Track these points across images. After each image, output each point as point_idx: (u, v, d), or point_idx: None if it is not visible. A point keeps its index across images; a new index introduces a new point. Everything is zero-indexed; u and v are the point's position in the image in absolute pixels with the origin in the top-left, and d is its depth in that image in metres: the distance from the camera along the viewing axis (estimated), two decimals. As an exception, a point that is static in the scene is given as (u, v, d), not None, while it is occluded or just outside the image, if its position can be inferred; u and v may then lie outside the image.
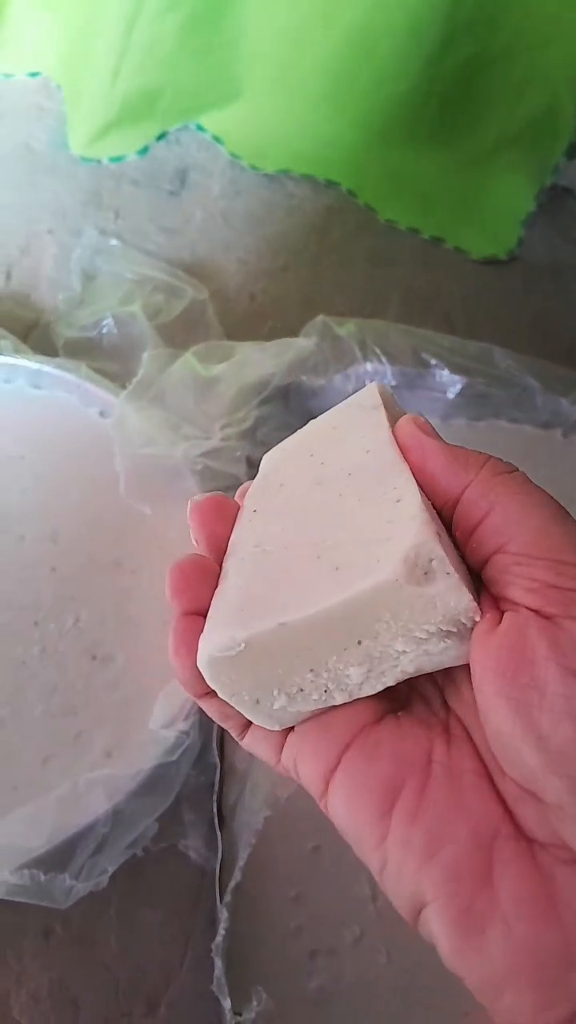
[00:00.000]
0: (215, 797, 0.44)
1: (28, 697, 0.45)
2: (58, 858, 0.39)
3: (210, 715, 0.25)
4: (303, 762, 0.22)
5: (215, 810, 0.43)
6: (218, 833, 0.43)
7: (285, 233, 0.67)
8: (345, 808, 0.21)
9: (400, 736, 0.22)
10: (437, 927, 0.19)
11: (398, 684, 0.23)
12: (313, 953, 0.41)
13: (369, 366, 0.52)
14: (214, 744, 0.44)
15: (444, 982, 0.40)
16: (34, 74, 0.71)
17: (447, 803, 0.20)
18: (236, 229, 0.66)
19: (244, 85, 0.68)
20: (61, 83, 0.70)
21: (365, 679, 0.22)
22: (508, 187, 0.70)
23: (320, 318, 0.53)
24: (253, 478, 0.50)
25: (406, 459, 0.24)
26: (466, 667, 0.21)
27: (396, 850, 0.20)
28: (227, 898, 0.40)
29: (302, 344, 0.51)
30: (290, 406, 0.52)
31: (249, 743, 0.25)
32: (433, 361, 0.53)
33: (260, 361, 0.50)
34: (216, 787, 0.44)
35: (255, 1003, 0.37)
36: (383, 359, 0.52)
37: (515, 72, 0.64)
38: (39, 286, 0.61)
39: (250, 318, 0.63)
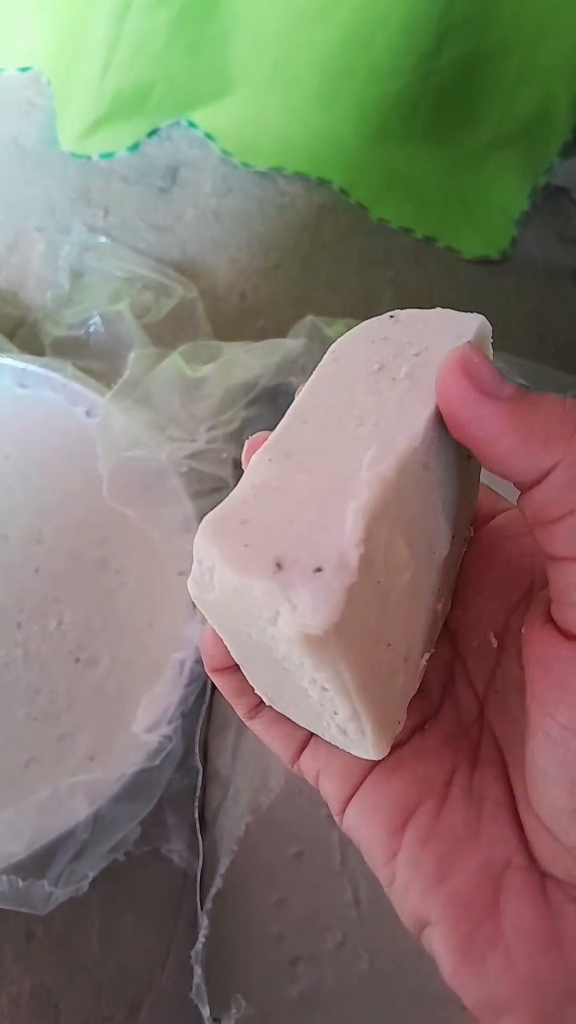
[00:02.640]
0: (197, 802, 0.43)
1: (10, 699, 0.44)
2: (37, 864, 0.39)
3: (222, 690, 0.23)
4: (327, 778, 0.22)
5: (197, 815, 0.43)
6: (200, 839, 0.42)
7: (277, 231, 0.66)
8: (358, 822, 0.21)
9: (422, 757, 0.21)
10: (439, 948, 0.19)
11: (431, 682, 0.22)
12: (295, 959, 0.41)
13: (358, 367, 0.51)
14: (197, 749, 0.44)
15: (426, 988, 0.40)
16: (24, 69, 0.70)
17: (461, 830, 0.20)
18: (227, 227, 0.66)
19: (236, 81, 0.67)
20: (51, 78, 0.69)
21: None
22: (502, 186, 0.70)
23: (309, 318, 0.53)
24: (239, 480, 0.48)
25: (455, 435, 0.19)
26: (518, 683, 0.20)
27: (405, 870, 0.20)
28: (208, 904, 0.40)
29: (290, 345, 0.50)
30: (278, 407, 0.52)
31: (261, 727, 0.23)
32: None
33: (247, 362, 0.49)
34: (198, 792, 0.44)
35: (234, 1010, 0.37)
36: (372, 360, 0.51)
37: (509, 70, 0.63)
38: (27, 284, 0.60)
39: (240, 317, 0.62)
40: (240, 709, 0.24)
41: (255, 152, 0.69)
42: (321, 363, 0.21)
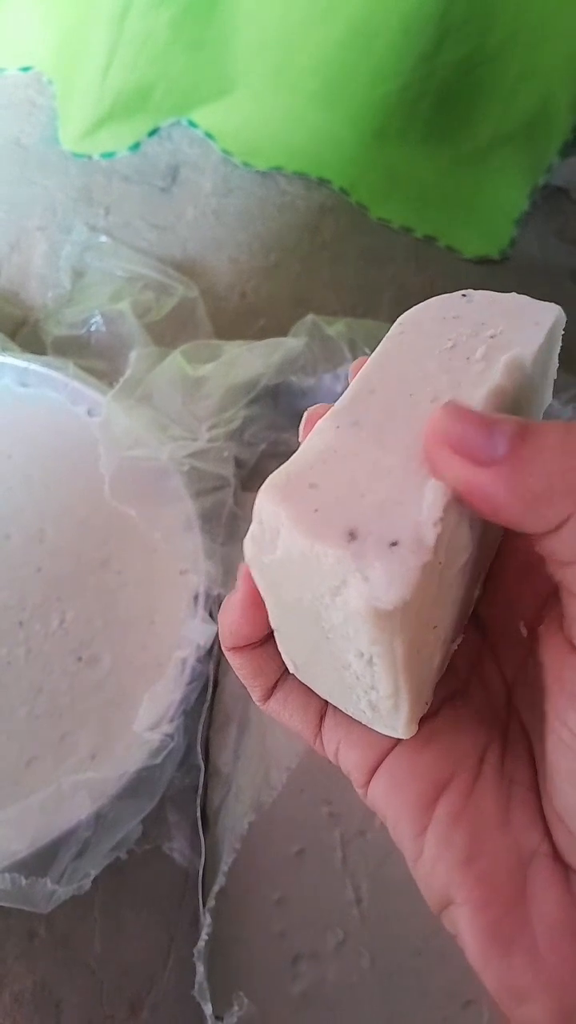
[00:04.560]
0: (199, 801, 0.43)
1: (12, 698, 0.44)
2: (40, 862, 0.39)
3: (239, 671, 0.23)
4: (349, 748, 0.22)
5: (199, 814, 0.43)
6: (201, 837, 0.42)
7: (277, 231, 0.67)
8: (386, 793, 0.21)
9: (457, 729, 0.21)
10: (465, 928, 0.19)
11: (458, 664, 0.22)
12: (296, 957, 0.41)
13: (359, 366, 0.51)
14: (198, 747, 0.44)
15: (427, 986, 0.40)
16: (26, 69, 0.70)
17: (492, 811, 0.20)
18: (228, 226, 0.66)
19: (237, 81, 0.67)
20: (53, 78, 0.69)
21: None
22: (502, 186, 0.70)
23: (310, 317, 0.53)
24: (241, 479, 0.48)
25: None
26: (547, 677, 0.20)
27: (434, 845, 0.20)
28: (210, 902, 0.40)
29: (291, 344, 0.50)
30: (279, 406, 0.52)
31: (275, 709, 0.23)
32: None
33: (249, 361, 0.49)
34: (200, 790, 0.44)
35: (236, 1008, 0.37)
36: (373, 359, 0.51)
37: (509, 70, 0.63)
38: (28, 283, 0.60)
39: (241, 316, 0.62)
40: (256, 691, 0.23)
41: (256, 152, 0.69)
42: (388, 335, 0.21)
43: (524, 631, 0.22)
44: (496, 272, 0.68)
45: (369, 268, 0.67)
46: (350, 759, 0.22)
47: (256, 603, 0.21)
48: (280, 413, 0.52)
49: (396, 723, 0.20)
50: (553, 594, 0.21)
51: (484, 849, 0.19)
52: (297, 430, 0.23)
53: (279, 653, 0.22)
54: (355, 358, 0.52)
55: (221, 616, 0.22)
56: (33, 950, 0.43)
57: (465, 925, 0.19)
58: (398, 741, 0.21)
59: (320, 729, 0.22)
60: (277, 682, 0.23)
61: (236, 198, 0.67)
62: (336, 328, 0.53)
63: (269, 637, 0.22)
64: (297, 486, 0.18)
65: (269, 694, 0.23)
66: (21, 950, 0.42)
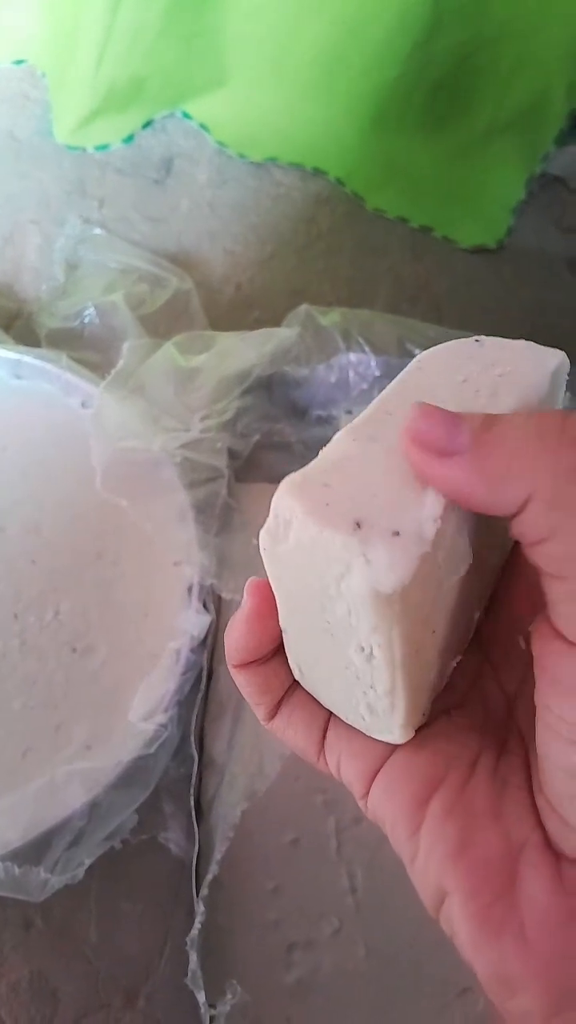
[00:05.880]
0: (193, 790, 0.43)
1: (7, 689, 0.44)
2: (34, 851, 0.39)
3: (245, 689, 0.23)
4: (349, 760, 0.22)
5: (193, 803, 0.43)
6: (195, 826, 0.42)
7: (272, 222, 0.66)
8: (383, 798, 0.21)
9: (451, 736, 0.22)
10: (457, 918, 0.19)
11: (456, 681, 0.23)
12: (291, 946, 0.41)
13: (353, 356, 0.51)
14: (192, 737, 0.44)
15: (422, 975, 0.40)
16: (19, 62, 0.70)
17: (484, 804, 0.20)
18: (222, 218, 0.66)
19: (231, 72, 0.67)
20: (46, 71, 0.69)
21: None
22: (498, 175, 0.70)
23: (303, 307, 0.53)
24: (234, 470, 0.49)
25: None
26: (536, 666, 0.20)
27: (427, 840, 0.20)
28: (204, 891, 0.40)
29: (285, 334, 0.50)
30: (272, 397, 0.52)
31: (279, 727, 0.24)
32: (418, 351, 0.52)
33: (242, 351, 0.49)
34: (194, 780, 0.44)
35: (230, 996, 0.37)
36: (367, 349, 0.51)
37: (504, 58, 0.63)
38: (22, 276, 0.60)
39: (236, 308, 0.62)
40: (261, 709, 0.24)
41: (250, 143, 0.69)
42: (406, 369, 0.23)
43: (523, 644, 0.23)
44: (493, 262, 0.68)
45: (365, 259, 0.66)
46: (350, 771, 0.22)
47: (261, 616, 0.22)
48: (274, 404, 0.52)
49: (392, 725, 0.21)
50: None
51: (475, 839, 0.20)
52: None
53: (284, 670, 0.23)
54: (349, 348, 0.52)
55: (227, 634, 0.23)
56: (29, 940, 0.43)
57: (457, 913, 0.19)
58: (395, 749, 0.22)
59: (322, 746, 0.23)
60: (281, 700, 0.24)
61: (231, 189, 0.67)
62: (330, 318, 0.52)
63: (274, 653, 0.23)
64: (312, 484, 0.19)
65: (274, 713, 0.24)
66: (18, 940, 0.43)
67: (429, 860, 0.20)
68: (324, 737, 0.23)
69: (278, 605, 0.22)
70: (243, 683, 0.23)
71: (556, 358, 0.22)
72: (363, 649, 0.19)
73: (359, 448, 0.20)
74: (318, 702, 0.23)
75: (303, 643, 0.22)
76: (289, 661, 0.23)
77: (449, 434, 0.18)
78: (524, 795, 0.20)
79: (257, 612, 0.22)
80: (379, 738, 0.22)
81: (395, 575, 0.18)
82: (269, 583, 0.21)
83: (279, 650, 0.23)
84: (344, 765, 0.22)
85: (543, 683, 0.19)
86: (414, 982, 0.40)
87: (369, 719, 0.21)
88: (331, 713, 0.23)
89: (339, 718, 0.23)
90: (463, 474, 0.18)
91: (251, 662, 0.23)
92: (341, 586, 0.19)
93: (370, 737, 0.22)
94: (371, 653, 0.19)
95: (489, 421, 0.18)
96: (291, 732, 0.24)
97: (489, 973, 0.19)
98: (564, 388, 0.23)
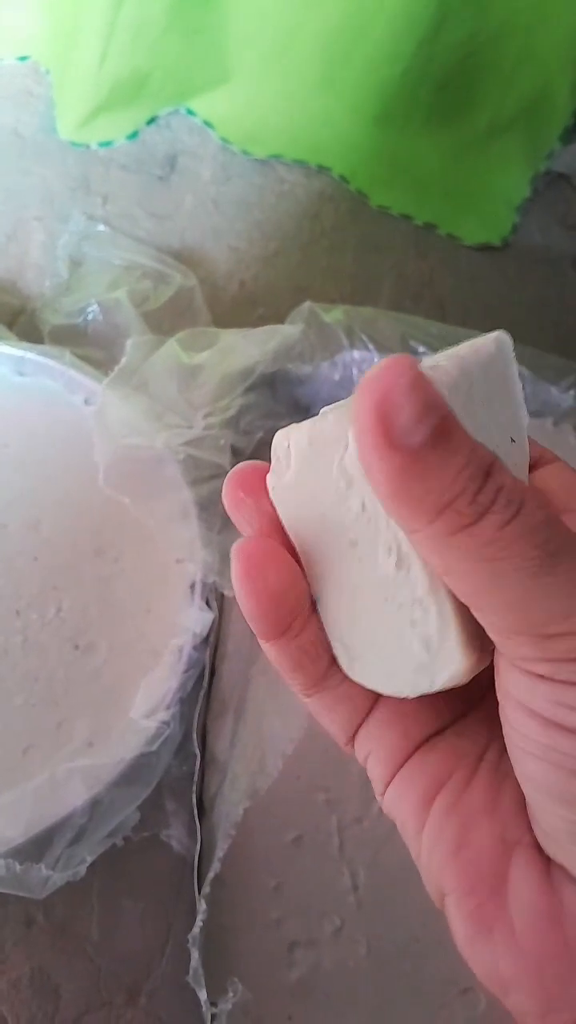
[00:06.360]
0: (195, 788, 0.43)
1: (9, 686, 0.44)
2: (35, 848, 0.39)
3: (279, 663, 0.22)
4: (375, 761, 0.23)
5: (195, 801, 0.43)
6: (198, 824, 0.42)
7: (276, 219, 0.66)
8: (397, 796, 0.22)
9: (462, 734, 0.22)
10: (453, 916, 0.20)
11: (479, 675, 0.22)
12: (293, 944, 0.41)
13: (356, 354, 0.51)
14: (195, 734, 0.44)
15: (424, 973, 0.40)
16: (23, 59, 0.70)
17: (483, 801, 0.20)
18: (226, 215, 0.66)
19: (234, 68, 0.67)
20: (49, 67, 0.69)
21: None
22: (502, 173, 0.69)
23: (307, 304, 0.52)
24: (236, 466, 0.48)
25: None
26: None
27: (429, 838, 0.20)
28: (206, 889, 0.40)
29: (288, 331, 0.50)
30: (276, 394, 0.52)
31: (317, 708, 0.23)
32: (421, 348, 0.52)
33: (245, 348, 0.49)
34: (196, 777, 0.44)
35: (231, 994, 0.37)
36: (370, 347, 0.51)
37: (509, 55, 0.62)
38: (26, 273, 0.60)
39: (240, 305, 0.62)
40: (298, 684, 0.22)
41: (254, 140, 0.68)
42: None
43: None
44: (497, 259, 0.68)
45: (369, 256, 0.66)
46: (375, 771, 0.22)
47: (250, 578, 0.20)
48: (277, 401, 0.52)
49: (450, 647, 0.19)
50: None
51: (471, 839, 0.20)
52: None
53: (316, 650, 0.22)
54: (353, 346, 0.51)
55: (245, 608, 0.21)
56: (31, 937, 0.43)
57: (453, 913, 0.20)
58: (415, 750, 0.22)
59: (354, 739, 0.23)
60: (321, 684, 0.23)
61: (235, 186, 0.67)
62: (333, 315, 0.52)
63: (302, 629, 0.22)
64: (303, 424, 0.21)
65: (310, 692, 0.23)
66: (19, 937, 0.43)
67: (431, 859, 0.20)
68: (356, 731, 0.23)
69: (302, 557, 0.21)
70: (276, 657, 0.22)
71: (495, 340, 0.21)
72: (391, 550, 0.19)
73: (336, 412, 0.21)
74: (360, 696, 0.22)
75: (337, 594, 0.21)
76: (334, 648, 0.22)
77: (410, 422, 0.15)
78: (520, 792, 0.20)
79: (246, 574, 0.20)
80: (440, 681, 0.20)
81: None
82: (254, 545, 0.21)
83: (306, 627, 0.22)
84: (371, 763, 0.23)
85: (507, 704, 0.19)
86: (416, 981, 0.40)
87: (426, 655, 0.20)
88: (369, 711, 0.23)
89: (376, 716, 0.22)
90: (388, 480, 0.16)
91: (282, 633, 0.21)
92: (348, 467, 0.19)
93: (398, 737, 0.22)
94: (399, 549, 0.19)
95: (444, 430, 0.16)
96: (326, 719, 0.23)
97: (484, 972, 0.19)
98: (512, 362, 0.21)
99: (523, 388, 0.22)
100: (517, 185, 0.69)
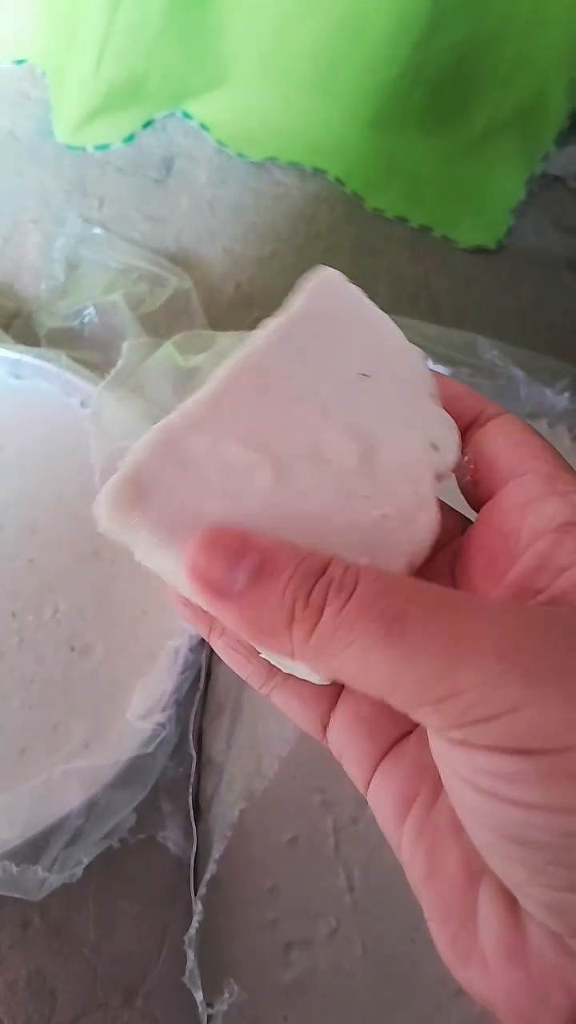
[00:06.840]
0: (191, 789, 0.43)
1: (5, 688, 0.44)
2: (31, 850, 0.39)
3: (226, 657, 0.23)
4: (347, 761, 0.22)
5: (191, 802, 0.43)
6: (194, 825, 0.42)
7: (271, 222, 0.66)
8: (374, 805, 0.22)
9: (422, 742, 0.22)
10: (435, 939, 0.20)
11: None
12: (288, 945, 0.41)
13: (352, 356, 0.51)
14: (191, 736, 0.44)
15: (419, 974, 0.40)
16: (20, 62, 0.70)
17: (448, 821, 0.20)
18: (222, 217, 0.66)
19: (230, 71, 0.67)
20: (46, 70, 0.69)
21: None
22: (498, 175, 0.70)
23: (302, 307, 0.52)
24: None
25: None
26: None
27: (404, 861, 0.21)
28: (202, 890, 0.40)
29: (284, 334, 0.50)
30: (272, 396, 0.52)
31: (280, 699, 0.23)
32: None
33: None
34: (192, 779, 0.44)
35: (227, 995, 0.37)
36: (366, 349, 0.51)
37: (504, 57, 0.63)
38: (22, 275, 0.60)
39: (235, 307, 0.62)
40: (252, 681, 0.23)
41: (250, 143, 0.69)
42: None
43: None
44: (492, 262, 0.68)
45: (364, 258, 0.66)
46: (352, 772, 0.22)
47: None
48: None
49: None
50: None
51: (441, 863, 0.20)
52: None
53: (248, 645, 0.22)
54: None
55: (185, 618, 0.23)
56: (27, 939, 0.43)
57: (434, 935, 0.20)
58: (385, 754, 0.22)
59: (325, 733, 0.23)
60: (268, 678, 0.23)
61: (231, 189, 0.67)
62: (329, 318, 0.52)
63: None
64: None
65: (263, 688, 0.23)
66: (15, 939, 0.43)
67: (410, 876, 0.20)
68: (325, 727, 0.23)
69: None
70: (225, 656, 0.23)
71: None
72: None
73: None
74: (310, 693, 0.23)
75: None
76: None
77: (226, 576, 0.18)
78: None
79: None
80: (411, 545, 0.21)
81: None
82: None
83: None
84: (346, 763, 0.23)
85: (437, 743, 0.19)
86: (411, 981, 0.40)
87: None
88: (330, 709, 0.23)
89: (338, 716, 0.22)
90: (233, 618, 0.18)
91: (207, 632, 0.23)
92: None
93: (364, 742, 0.22)
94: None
95: (260, 569, 0.18)
96: (293, 718, 0.23)
97: (468, 990, 0.19)
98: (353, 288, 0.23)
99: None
100: (512, 187, 0.70)
